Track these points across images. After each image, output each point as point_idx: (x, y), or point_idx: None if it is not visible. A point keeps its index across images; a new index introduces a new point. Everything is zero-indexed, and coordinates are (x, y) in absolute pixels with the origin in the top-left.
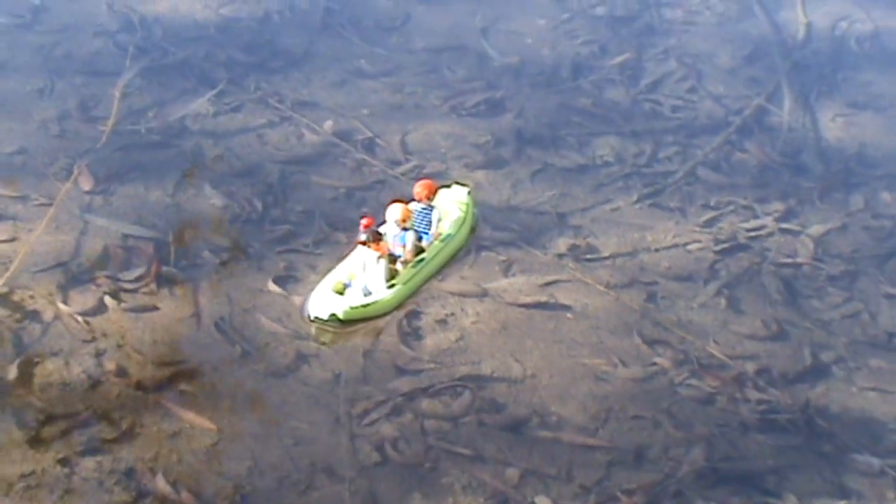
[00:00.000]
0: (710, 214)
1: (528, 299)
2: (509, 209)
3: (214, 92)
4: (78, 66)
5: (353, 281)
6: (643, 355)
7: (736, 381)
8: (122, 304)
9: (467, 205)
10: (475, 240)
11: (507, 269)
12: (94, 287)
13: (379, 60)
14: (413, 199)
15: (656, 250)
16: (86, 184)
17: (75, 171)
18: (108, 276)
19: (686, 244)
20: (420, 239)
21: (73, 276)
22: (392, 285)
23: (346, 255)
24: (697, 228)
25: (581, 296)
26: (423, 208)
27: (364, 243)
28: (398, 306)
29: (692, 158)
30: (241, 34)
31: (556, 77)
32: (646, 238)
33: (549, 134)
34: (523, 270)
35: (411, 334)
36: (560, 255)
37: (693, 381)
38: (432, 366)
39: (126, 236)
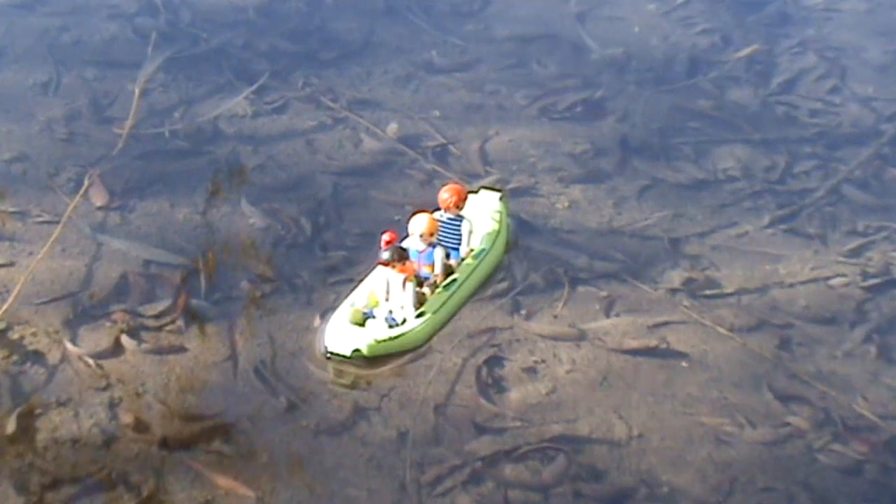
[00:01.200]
0: (858, 242)
1: (635, 344)
2: (611, 233)
3: (254, 88)
4: (89, 55)
5: (375, 309)
6: (775, 414)
7: (888, 446)
8: (143, 345)
9: (501, 213)
10: (568, 272)
11: (608, 308)
12: (108, 323)
13: (453, 52)
14: (438, 209)
15: (791, 285)
16: (98, 198)
17: (86, 183)
18: (125, 311)
19: (828, 278)
20: (448, 256)
21: (83, 309)
22: (421, 313)
23: (363, 277)
24: (842, 259)
25: (699, 341)
26: (451, 219)
27: (386, 263)
28: (429, 338)
29: (835, 174)
30: (286, 19)
31: (668, 73)
32: (778, 271)
33: (660, 142)
34: (628, 309)
35: (493, 385)
36: (673, 291)
37: (836, 447)
38: (518, 424)
39: (147, 262)
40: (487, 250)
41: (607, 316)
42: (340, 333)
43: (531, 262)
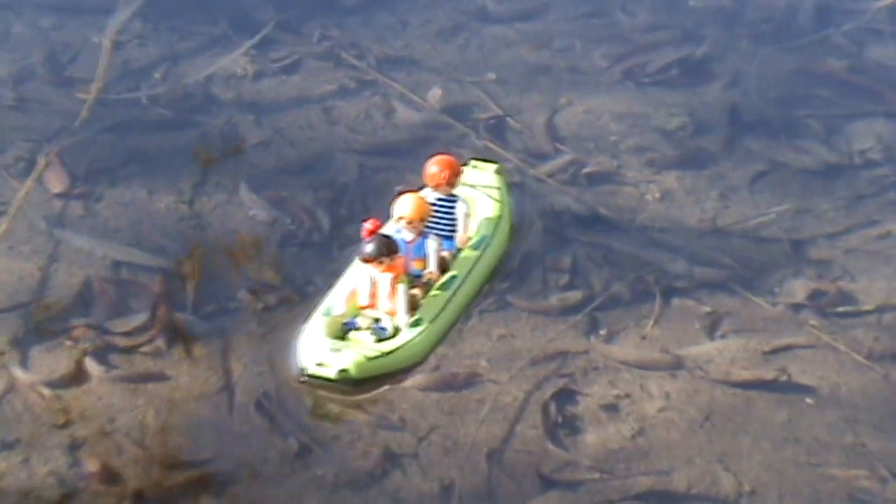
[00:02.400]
0: None
1: (746, 375)
2: (716, 233)
3: (256, 41)
4: None
5: (359, 318)
6: None
7: None
8: (112, 371)
9: (500, 190)
10: (661, 280)
11: (712, 328)
12: (68, 343)
13: None
14: (424, 187)
15: None
16: (56, 183)
17: (40, 163)
18: (89, 327)
19: None
20: (441, 247)
21: (36, 325)
22: (417, 321)
23: (340, 278)
24: None
25: (829, 370)
26: (443, 200)
27: (371, 260)
28: (428, 353)
29: None
30: None
31: (790, 26)
32: None
33: (780, 115)
34: (738, 329)
35: (563, 425)
36: (796, 307)
37: None
38: (596, 475)
39: (118, 265)
40: (489, 238)
41: (711, 338)
42: (318, 350)
43: (613, 267)
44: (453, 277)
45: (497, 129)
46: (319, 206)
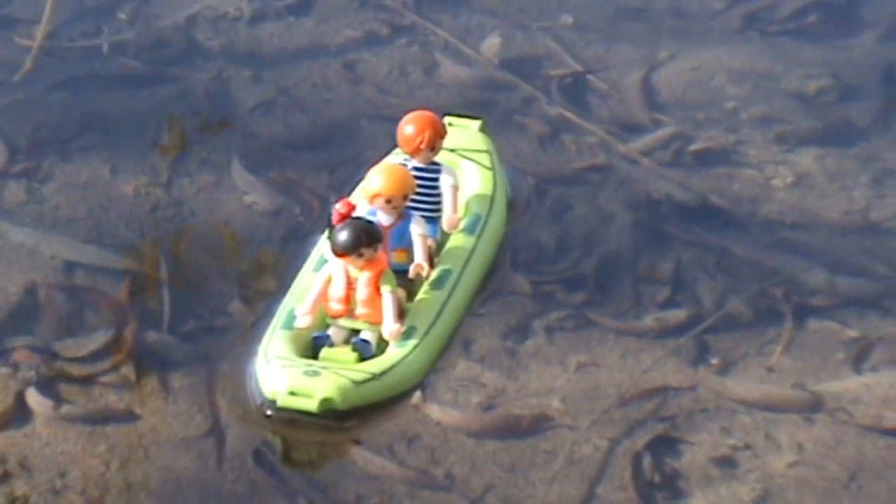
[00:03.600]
0: None
1: None
2: (867, 231)
3: None
4: None
5: (331, 329)
6: None
7: None
8: (64, 407)
9: (489, 155)
10: (792, 295)
11: (859, 358)
12: (4, 370)
13: None
14: (394, 153)
15: None
16: None
17: None
18: (33, 349)
19: None
20: (427, 231)
21: None
22: (409, 332)
23: (299, 277)
24: None
25: None
26: (422, 171)
27: (346, 252)
28: (426, 373)
29: None
30: None
31: None
32: None
33: None
34: (894, 361)
35: (661, 486)
36: None
37: None
38: None
39: (71, 266)
40: (484, 218)
41: (858, 371)
42: (288, 375)
43: (728, 276)
44: (447, 272)
45: (575, 92)
46: (335, 191)
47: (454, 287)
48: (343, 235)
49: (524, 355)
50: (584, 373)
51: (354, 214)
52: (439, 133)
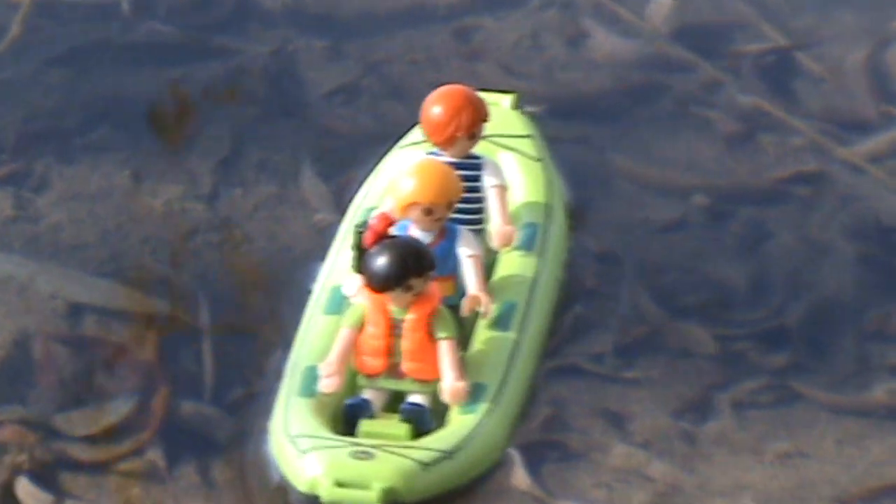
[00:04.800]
0: None
1: None
2: None
3: None
4: None
5: (367, 392)
6: None
7: None
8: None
9: (532, 141)
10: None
11: None
12: None
13: None
14: (420, 144)
15: None
16: None
17: None
18: (26, 423)
19: None
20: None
21: None
22: (478, 391)
23: (313, 321)
24: None
25: None
26: (457, 166)
27: (385, 288)
28: (505, 445)
29: None
30: None
31: None
32: None
33: None
34: None
35: None
36: None
37: None
38: None
39: (78, 309)
40: (541, 229)
41: None
42: (328, 458)
43: None
44: (510, 306)
45: (776, 74)
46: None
47: (522, 326)
48: (382, 262)
49: (705, 440)
50: (787, 465)
51: (392, 232)
52: (480, 114)
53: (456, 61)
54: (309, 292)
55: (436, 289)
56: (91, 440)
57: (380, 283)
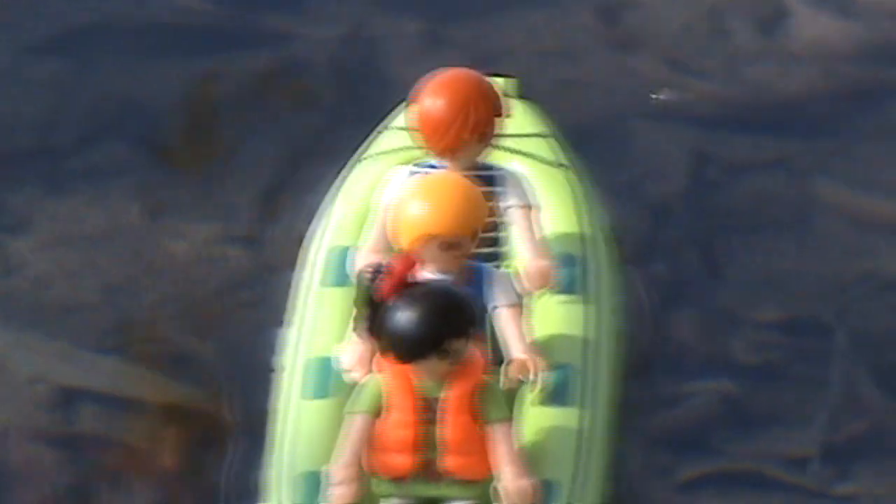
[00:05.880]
0: None
1: None
2: None
3: None
4: None
5: (393, 502)
6: None
7: None
8: None
9: (549, 141)
10: None
11: None
12: None
13: None
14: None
15: None
16: None
17: None
18: None
19: None
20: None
21: None
22: (550, 493)
23: (296, 409)
24: None
25: None
26: (467, 179)
27: (415, 357)
28: None
29: None
30: None
31: None
32: None
33: None
34: None
35: None
36: None
37: None
38: None
39: (74, 397)
40: (581, 262)
41: None
42: None
43: None
44: (565, 372)
45: None
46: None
47: (586, 399)
48: (410, 320)
49: None
50: None
51: (412, 278)
52: (493, 107)
53: (601, 52)
54: (273, 370)
55: (479, 354)
56: None
57: (409, 350)
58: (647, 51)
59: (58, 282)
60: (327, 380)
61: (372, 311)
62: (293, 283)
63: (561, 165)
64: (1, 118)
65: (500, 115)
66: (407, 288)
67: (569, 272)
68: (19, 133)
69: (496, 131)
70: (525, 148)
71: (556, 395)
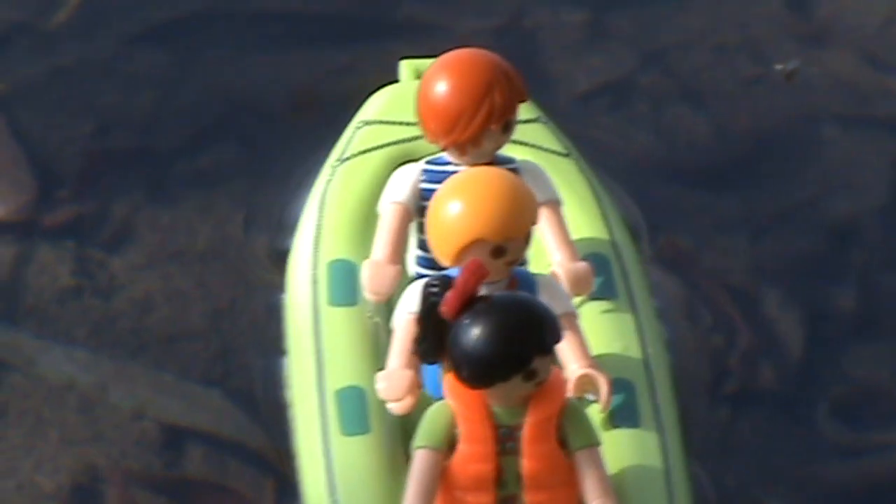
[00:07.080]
0: None
1: None
2: None
3: None
4: None
5: None
6: None
7: None
8: None
9: (542, 124)
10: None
11: None
12: None
13: None
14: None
15: None
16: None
17: None
18: None
19: None
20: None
21: None
22: None
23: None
24: None
25: None
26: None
27: (498, 378)
28: None
29: None
30: None
31: None
32: None
33: None
34: None
35: None
36: None
37: None
38: None
39: (175, 435)
40: (614, 262)
41: None
42: None
43: None
44: (627, 389)
45: None
46: (780, 292)
47: (657, 417)
48: (491, 339)
49: None
50: None
51: (480, 284)
52: (517, 93)
53: (789, 45)
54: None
55: (559, 373)
56: None
57: (491, 372)
58: (842, 43)
59: (160, 305)
60: (365, 412)
61: (439, 330)
62: (283, 304)
63: (566, 155)
64: (97, 117)
65: (523, 99)
66: (477, 302)
67: (605, 275)
68: (117, 134)
69: (515, 119)
70: (522, 137)
71: (624, 416)
